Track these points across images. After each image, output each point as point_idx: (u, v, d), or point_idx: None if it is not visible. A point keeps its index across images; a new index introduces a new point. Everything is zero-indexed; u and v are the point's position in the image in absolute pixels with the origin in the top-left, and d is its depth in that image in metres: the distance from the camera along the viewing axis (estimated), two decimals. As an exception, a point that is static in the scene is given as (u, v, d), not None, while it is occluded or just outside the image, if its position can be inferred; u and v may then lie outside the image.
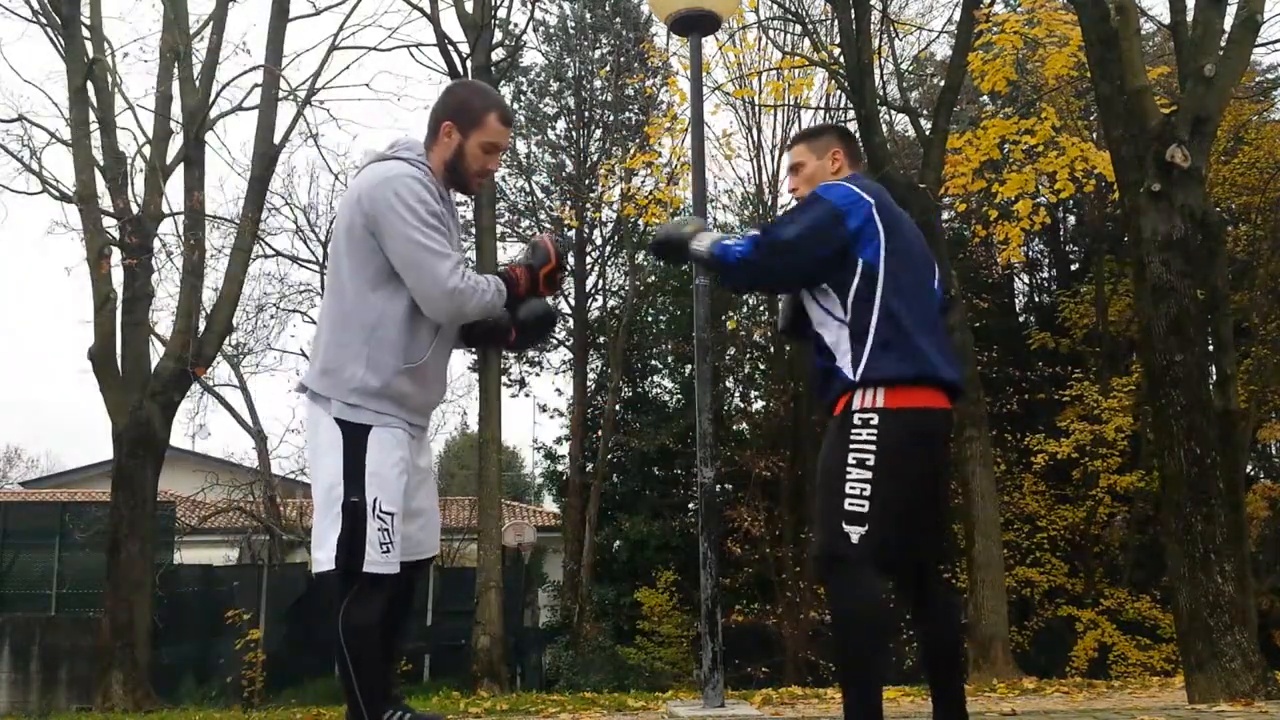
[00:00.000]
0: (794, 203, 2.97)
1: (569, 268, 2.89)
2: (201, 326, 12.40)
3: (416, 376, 2.70)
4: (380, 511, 2.58)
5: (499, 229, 16.31)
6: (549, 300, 2.91)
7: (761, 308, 19.08)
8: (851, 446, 2.61)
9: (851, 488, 2.58)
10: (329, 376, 2.66)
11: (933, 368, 2.66)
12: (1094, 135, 13.66)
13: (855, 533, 2.56)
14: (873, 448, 2.59)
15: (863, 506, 2.56)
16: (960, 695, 2.84)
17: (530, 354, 20.22)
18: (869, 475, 2.58)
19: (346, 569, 2.55)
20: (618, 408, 19.40)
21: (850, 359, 2.67)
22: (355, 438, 2.62)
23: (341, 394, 2.64)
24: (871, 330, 2.65)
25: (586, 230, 19.55)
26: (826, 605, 3.01)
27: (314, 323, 17.46)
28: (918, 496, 2.67)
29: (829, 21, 14.92)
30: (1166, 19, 6.67)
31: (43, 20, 12.65)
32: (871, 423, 2.60)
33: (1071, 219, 19.78)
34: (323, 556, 2.57)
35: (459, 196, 3.10)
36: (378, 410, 2.65)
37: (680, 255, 2.96)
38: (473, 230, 15.01)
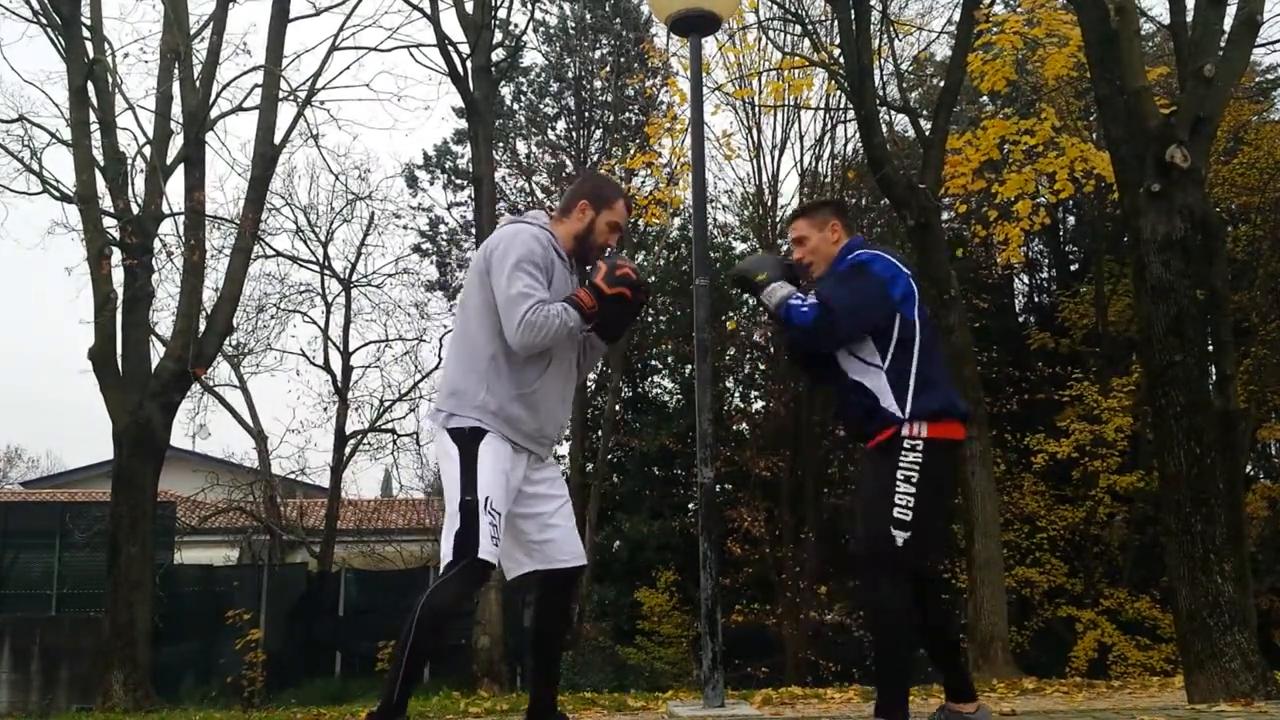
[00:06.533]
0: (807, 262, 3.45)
1: (629, 269, 3.20)
2: (202, 327, 12.36)
3: (529, 404, 3.11)
4: (491, 508, 2.97)
5: (499, 229, 16.28)
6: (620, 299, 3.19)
7: (761, 308, 19.05)
8: (901, 465, 3.15)
9: (899, 499, 3.12)
10: (456, 397, 3.09)
11: (957, 403, 3.25)
12: (1094, 135, 13.66)
13: (900, 536, 3.10)
14: (917, 468, 3.14)
15: (908, 515, 3.11)
16: (966, 669, 3.48)
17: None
18: (913, 490, 3.13)
19: (462, 557, 2.94)
20: (618, 408, 19.40)
21: (895, 399, 3.19)
22: (469, 444, 3.03)
23: (464, 410, 3.07)
24: (913, 374, 3.20)
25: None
26: (863, 597, 3.61)
27: (313, 323, 17.22)
28: (941, 510, 3.28)
29: (829, 22, 14.89)
30: (1166, 19, 6.67)
31: (43, 20, 12.62)
32: (918, 448, 3.15)
33: (1071, 219, 19.79)
34: (448, 549, 2.98)
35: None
36: (491, 426, 3.05)
37: (753, 294, 3.48)
38: (473, 231, 15.00)
